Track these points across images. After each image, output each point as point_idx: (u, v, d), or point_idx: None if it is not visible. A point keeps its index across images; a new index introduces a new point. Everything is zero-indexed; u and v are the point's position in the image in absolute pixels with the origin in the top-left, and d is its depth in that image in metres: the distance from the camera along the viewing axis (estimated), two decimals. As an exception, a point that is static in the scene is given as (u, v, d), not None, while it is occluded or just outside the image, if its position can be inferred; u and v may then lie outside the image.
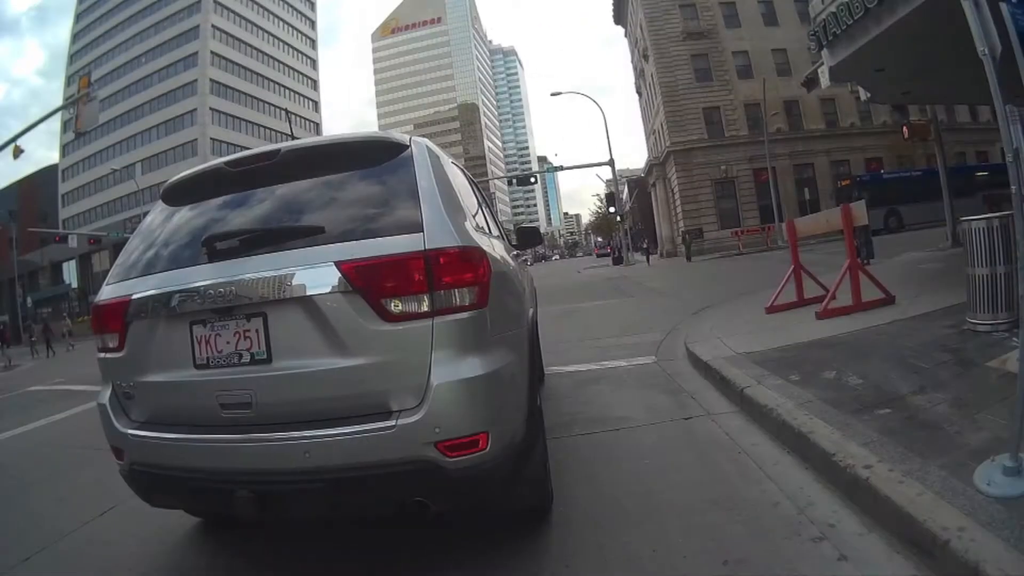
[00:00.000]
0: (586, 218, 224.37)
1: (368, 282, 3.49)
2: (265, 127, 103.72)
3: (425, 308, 3.48)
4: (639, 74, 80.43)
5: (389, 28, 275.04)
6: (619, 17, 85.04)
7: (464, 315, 3.56)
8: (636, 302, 21.54)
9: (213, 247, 3.87)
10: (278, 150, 4.29)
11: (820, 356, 8.03)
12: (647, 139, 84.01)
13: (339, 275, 3.50)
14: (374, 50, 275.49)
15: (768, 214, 54.26)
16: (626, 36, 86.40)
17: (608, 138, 62.79)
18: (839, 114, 63.56)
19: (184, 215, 4.42)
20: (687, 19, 63.96)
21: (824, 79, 24.65)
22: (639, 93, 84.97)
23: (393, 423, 3.37)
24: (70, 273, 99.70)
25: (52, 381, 21.06)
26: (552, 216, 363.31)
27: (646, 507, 4.67)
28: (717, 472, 5.22)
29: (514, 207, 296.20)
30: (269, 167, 4.27)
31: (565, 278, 45.78)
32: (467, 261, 3.67)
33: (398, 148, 4.33)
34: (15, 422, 12.44)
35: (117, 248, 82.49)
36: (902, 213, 45.61)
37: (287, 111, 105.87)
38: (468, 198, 5.10)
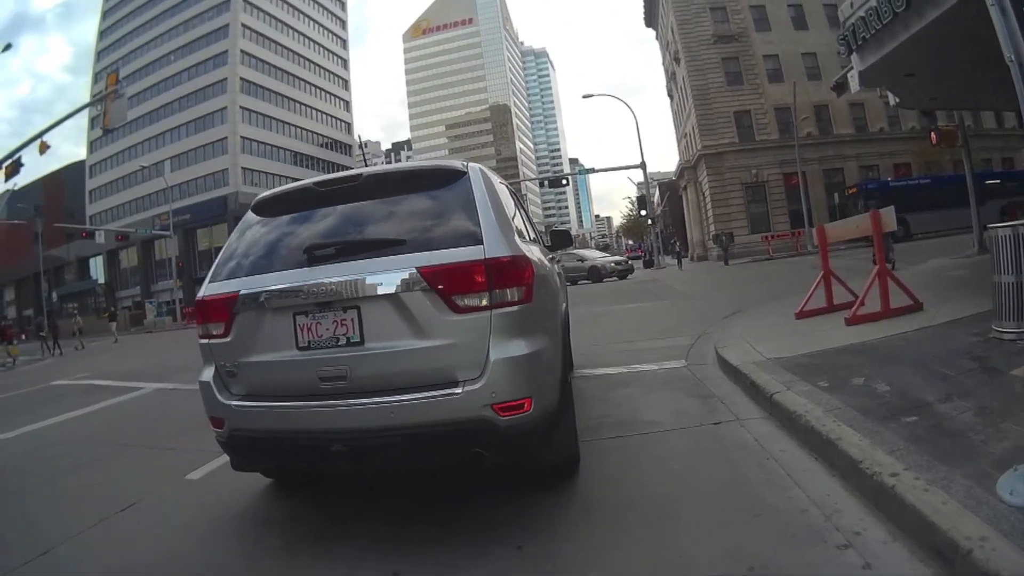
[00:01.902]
0: (617, 220, 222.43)
1: (442, 283, 4.49)
2: (296, 126, 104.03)
3: (485, 303, 4.49)
4: (670, 77, 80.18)
5: (420, 29, 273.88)
6: (650, 20, 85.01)
7: (514, 308, 4.59)
8: (667, 305, 21.60)
9: (313, 253, 4.88)
10: (360, 174, 5.41)
11: (849, 362, 8.02)
12: (678, 142, 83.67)
13: (420, 278, 4.50)
14: (405, 51, 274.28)
15: (798, 219, 54.03)
16: (657, 39, 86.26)
17: (639, 141, 62.28)
18: (868, 119, 63.24)
19: (279, 226, 5.44)
20: (717, 22, 63.99)
21: (854, 83, 24.50)
22: (670, 96, 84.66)
23: (460, 390, 4.37)
24: (97, 269, 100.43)
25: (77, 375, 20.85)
26: (584, 218, 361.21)
27: (673, 511, 4.74)
28: (744, 478, 5.24)
29: (546, 208, 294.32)
30: (353, 188, 5.35)
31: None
32: (516, 267, 4.70)
33: (458, 174, 5.36)
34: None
35: (146, 244, 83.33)
36: (910, 222, 44.71)
37: (318, 110, 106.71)
38: (512, 211, 6.06)
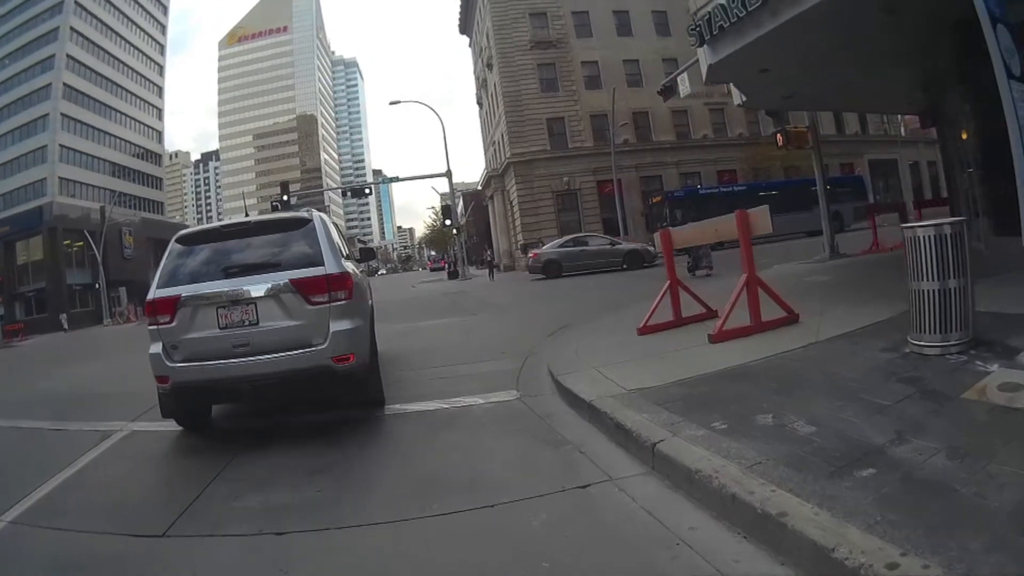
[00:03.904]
0: (420, 231, 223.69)
1: (303, 288, 7.41)
2: (114, 135, 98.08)
3: (326, 299, 7.43)
4: (481, 84, 79.45)
5: (236, 36, 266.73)
6: (465, 26, 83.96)
7: (342, 302, 7.54)
8: (481, 321, 19.40)
9: (228, 270, 7.68)
10: (249, 221, 8.71)
11: (739, 392, 6.55)
12: (486, 151, 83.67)
13: (290, 285, 7.40)
14: (220, 59, 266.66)
15: (612, 227, 53.62)
16: (471, 46, 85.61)
17: (446, 148, 60.52)
18: (692, 126, 64.39)
19: (200, 252, 8.04)
20: (536, 28, 63.30)
21: (684, 87, 23.68)
22: (480, 104, 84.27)
23: (313, 349, 7.30)
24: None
25: None
26: (386, 230, 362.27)
27: None
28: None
29: (348, 220, 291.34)
30: (245, 228, 8.35)
31: (398, 293, 43.28)
32: (343, 279, 7.67)
33: (307, 220, 8.27)
34: None
35: None
36: None
37: (133, 119, 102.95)
38: (338, 241, 9.18)
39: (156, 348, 7.39)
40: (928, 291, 6.66)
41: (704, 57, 15.33)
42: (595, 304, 18.16)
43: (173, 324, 7.33)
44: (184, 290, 7.41)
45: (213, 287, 7.40)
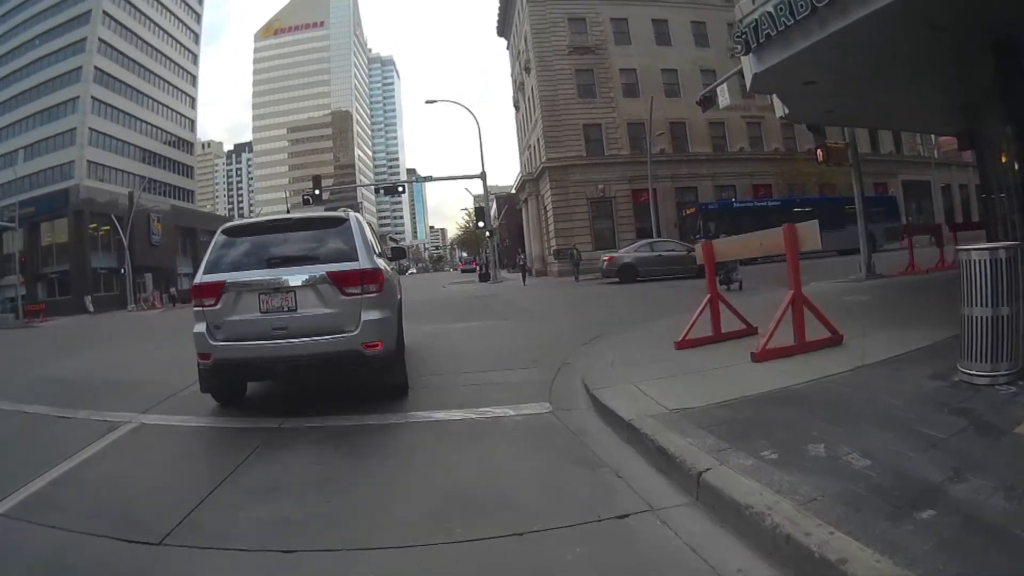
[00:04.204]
0: (452, 232, 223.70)
1: (338, 280, 8.26)
2: (145, 121, 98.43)
3: (359, 291, 8.28)
4: (518, 87, 78.84)
5: (272, 29, 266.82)
6: (503, 29, 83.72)
7: (373, 294, 8.39)
8: (512, 326, 18.83)
9: (271, 260, 8.58)
10: (291, 217, 10.34)
11: (786, 417, 6.16)
12: (521, 154, 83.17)
13: (327, 277, 8.25)
14: (255, 51, 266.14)
15: (645, 236, 52.97)
16: (508, 48, 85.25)
17: (481, 149, 59.92)
18: (728, 138, 63.68)
19: (245, 243, 8.92)
20: (575, 33, 62.75)
21: (724, 98, 23.37)
22: (516, 107, 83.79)
23: (345, 335, 8.13)
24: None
25: None
26: (418, 230, 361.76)
27: None
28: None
29: (381, 217, 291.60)
30: (287, 223, 9.64)
31: (428, 293, 42.74)
32: (375, 273, 8.55)
33: (343, 220, 9.14)
34: None
35: None
36: None
37: (166, 106, 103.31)
38: (371, 239, 10.08)
39: (200, 328, 8.27)
40: (980, 318, 6.40)
41: (749, 65, 14.96)
42: (629, 313, 18.01)
43: (218, 307, 8.24)
44: (229, 276, 8.32)
45: (257, 275, 8.35)
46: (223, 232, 9.15)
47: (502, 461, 6.30)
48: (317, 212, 10.67)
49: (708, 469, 4.91)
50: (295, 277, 8.27)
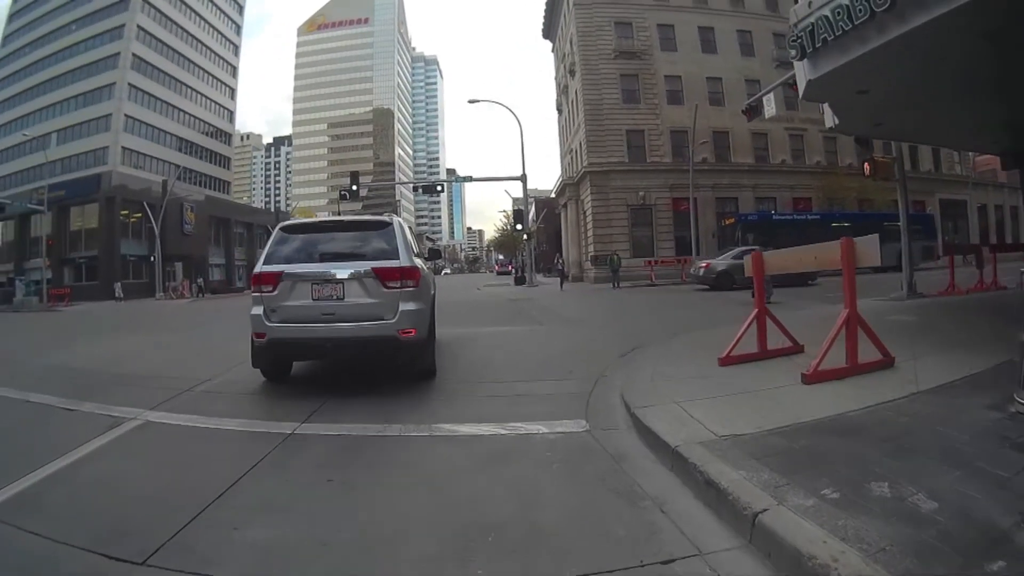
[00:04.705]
0: (489, 234, 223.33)
1: (381, 275, 9.57)
2: (182, 110, 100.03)
3: (398, 285, 9.58)
4: (562, 90, 78.58)
5: (316, 24, 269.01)
6: (548, 31, 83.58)
7: (411, 288, 9.72)
8: (548, 333, 18.41)
9: (323, 256, 10.12)
10: (342, 219, 11.58)
11: (844, 449, 5.68)
12: (562, 158, 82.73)
13: (372, 272, 9.59)
14: (298, 45, 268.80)
15: (684, 246, 52.85)
16: (553, 51, 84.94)
17: (523, 150, 59.00)
18: (770, 150, 63.13)
19: (299, 240, 10.45)
20: (621, 37, 62.26)
21: (769, 108, 23.02)
22: (559, 111, 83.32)
23: (385, 322, 9.46)
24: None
25: None
26: (456, 230, 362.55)
27: None
28: None
29: (419, 216, 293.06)
30: (339, 224, 11.26)
31: (462, 294, 42.39)
32: (413, 271, 9.94)
33: (387, 223, 10.66)
34: None
35: (23, 219, 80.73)
36: None
37: (204, 96, 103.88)
38: (411, 240, 11.65)
39: (258, 310, 9.66)
40: (1040, 344, 6.06)
41: (803, 71, 14.44)
42: (670, 322, 17.76)
43: (275, 293, 9.61)
44: (286, 268, 9.77)
45: (311, 268, 9.83)
46: (281, 229, 10.78)
47: (533, 487, 5.74)
48: (366, 216, 12.03)
49: (765, 510, 4.44)
50: (343, 271, 9.69)
